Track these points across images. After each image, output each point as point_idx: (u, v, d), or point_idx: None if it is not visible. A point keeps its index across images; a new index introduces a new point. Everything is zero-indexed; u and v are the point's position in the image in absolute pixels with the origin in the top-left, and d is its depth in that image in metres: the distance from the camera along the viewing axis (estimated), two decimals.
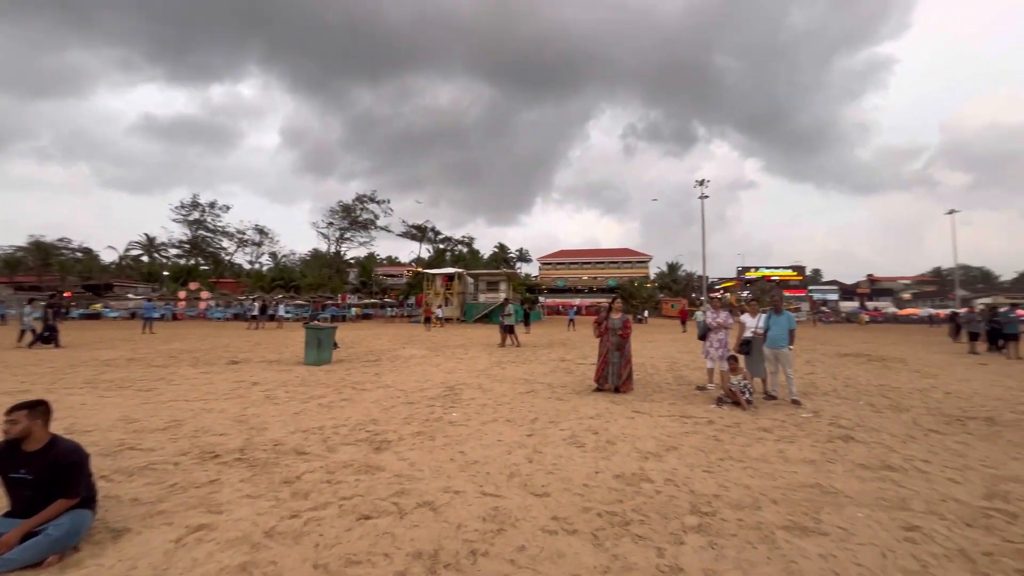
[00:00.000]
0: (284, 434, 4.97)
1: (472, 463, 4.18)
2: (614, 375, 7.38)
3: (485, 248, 72.59)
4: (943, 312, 44.37)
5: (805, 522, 3.12)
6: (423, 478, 3.81)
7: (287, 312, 30.17)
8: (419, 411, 6.12)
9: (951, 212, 50.46)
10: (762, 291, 71.09)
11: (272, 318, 26.42)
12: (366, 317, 38.97)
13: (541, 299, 61.16)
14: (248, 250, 56.85)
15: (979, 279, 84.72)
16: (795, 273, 77.01)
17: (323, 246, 50.80)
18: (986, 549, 2.80)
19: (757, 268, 78.61)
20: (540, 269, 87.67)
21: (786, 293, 69.33)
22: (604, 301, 14.07)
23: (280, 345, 14.91)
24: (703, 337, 7.76)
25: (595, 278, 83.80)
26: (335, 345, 10.96)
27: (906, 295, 77.06)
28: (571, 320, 29.29)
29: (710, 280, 74.34)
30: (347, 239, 48.87)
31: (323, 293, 41.79)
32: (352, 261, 55.91)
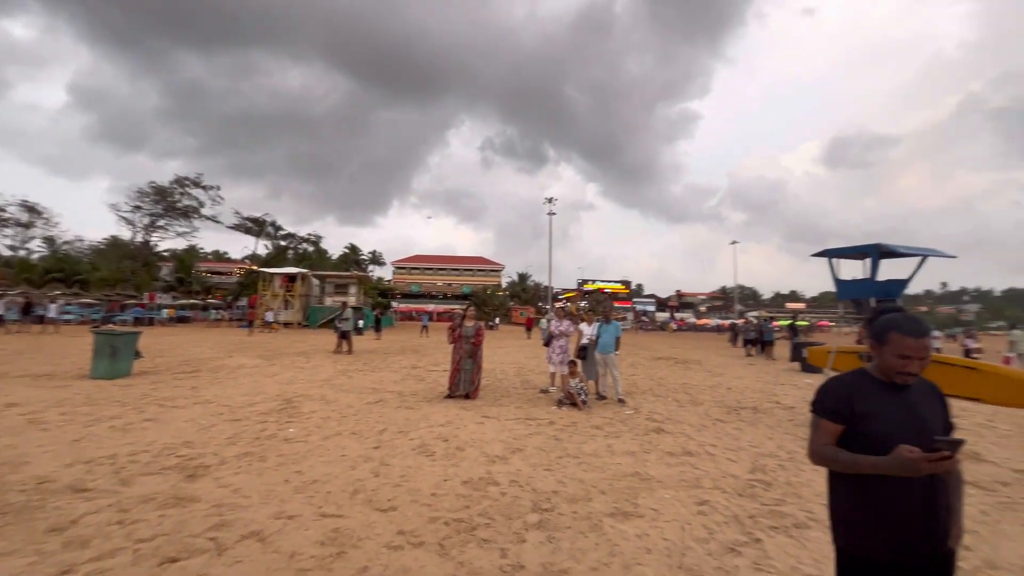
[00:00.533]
0: (55, 468, 3.94)
1: (310, 483, 3.84)
2: (466, 382, 7.50)
3: (335, 248, 67.88)
4: (726, 323, 55.07)
5: (626, 507, 3.56)
6: (250, 505, 3.37)
7: (64, 313, 24.04)
8: (247, 429, 5.41)
9: (733, 243, 63.73)
10: (597, 302, 79.58)
11: (42, 320, 20.82)
12: (182, 320, 33.17)
13: (394, 304, 59.39)
14: (9, 231, 43.83)
15: (750, 296, 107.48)
16: (623, 287, 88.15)
17: (126, 234, 41.60)
18: (751, 513, 3.53)
19: (594, 281, 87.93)
20: (394, 273, 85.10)
21: (616, 304, 78.82)
22: (458, 308, 14.26)
23: (55, 355, 11.83)
24: (547, 343, 8.37)
25: (450, 285, 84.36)
26: (137, 354, 9.08)
27: (703, 308, 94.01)
28: (424, 326, 28.99)
29: (555, 290, 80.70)
30: (160, 228, 40.78)
31: (123, 290, 34.37)
32: (166, 254, 47.13)
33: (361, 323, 27.83)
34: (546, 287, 59.62)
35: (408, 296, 77.94)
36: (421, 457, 4.60)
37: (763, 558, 2.92)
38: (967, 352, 14.60)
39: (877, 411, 1.52)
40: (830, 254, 6.30)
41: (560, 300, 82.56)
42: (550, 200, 54.96)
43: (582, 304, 77.83)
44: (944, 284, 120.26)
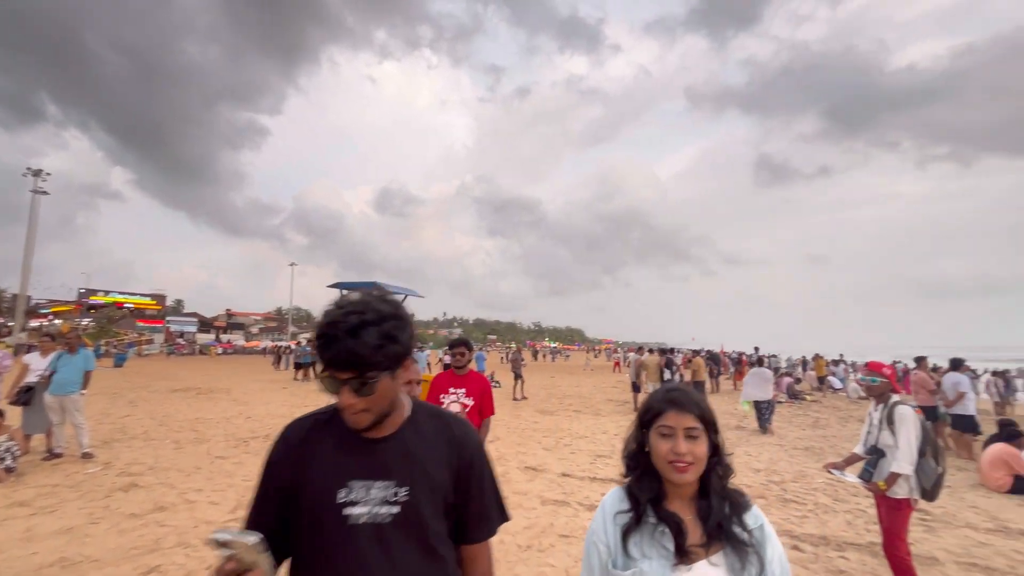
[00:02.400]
0: None
1: None
2: None
3: None
4: (274, 344, 53.95)
5: None
6: None
7: None
8: None
9: (292, 264, 64.08)
10: (110, 319, 61.16)
11: None
12: None
13: None
14: None
15: (305, 319, 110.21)
16: (154, 302, 71.37)
17: None
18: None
19: (108, 292, 66.90)
20: None
21: (140, 323, 62.74)
22: None
23: None
24: None
25: None
26: None
27: (255, 329, 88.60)
28: None
29: (35, 302, 56.24)
30: None
31: None
32: None
33: None
34: (15, 296, 40.57)
35: None
36: None
37: None
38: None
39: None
40: (341, 287, 7.13)
41: (42, 315, 57.93)
42: (36, 173, 38.46)
43: (84, 322, 57.53)
44: (444, 313, 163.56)
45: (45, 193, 38.81)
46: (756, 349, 18.17)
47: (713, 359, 17.39)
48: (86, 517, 4.01)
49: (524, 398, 13.20)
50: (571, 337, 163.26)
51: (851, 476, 3.16)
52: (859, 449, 3.14)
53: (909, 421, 2.83)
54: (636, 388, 11.56)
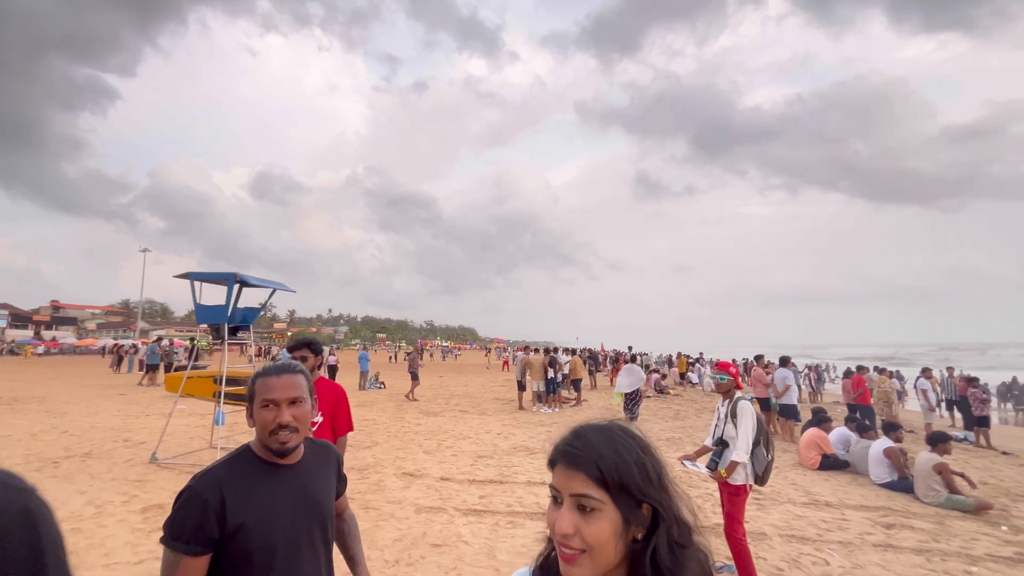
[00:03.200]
0: None
1: None
2: None
3: None
4: (115, 343, 46.15)
5: None
6: None
7: None
8: None
9: (145, 251, 55.03)
10: None
11: None
12: None
13: None
14: None
15: (159, 313, 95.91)
16: None
17: None
18: None
19: None
20: None
21: None
22: None
23: None
24: None
25: None
26: None
27: (91, 324, 74.88)
28: None
29: None
30: None
31: None
32: None
33: None
34: None
35: None
36: None
37: None
38: (331, 366, 17.75)
39: (258, 516, 1.12)
40: (192, 277, 6.17)
41: None
42: None
43: None
44: (330, 310, 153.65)
45: None
46: (630, 348, 19.75)
47: (592, 357, 18.53)
48: None
49: (415, 400, 12.78)
50: (463, 336, 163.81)
51: (700, 466, 3.46)
52: (708, 441, 3.45)
53: (748, 415, 3.18)
54: (521, 387, 11.82)
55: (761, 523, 4.38)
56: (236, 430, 7.76)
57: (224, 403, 6.14)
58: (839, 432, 7.07)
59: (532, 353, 12.91)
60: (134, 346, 26.05)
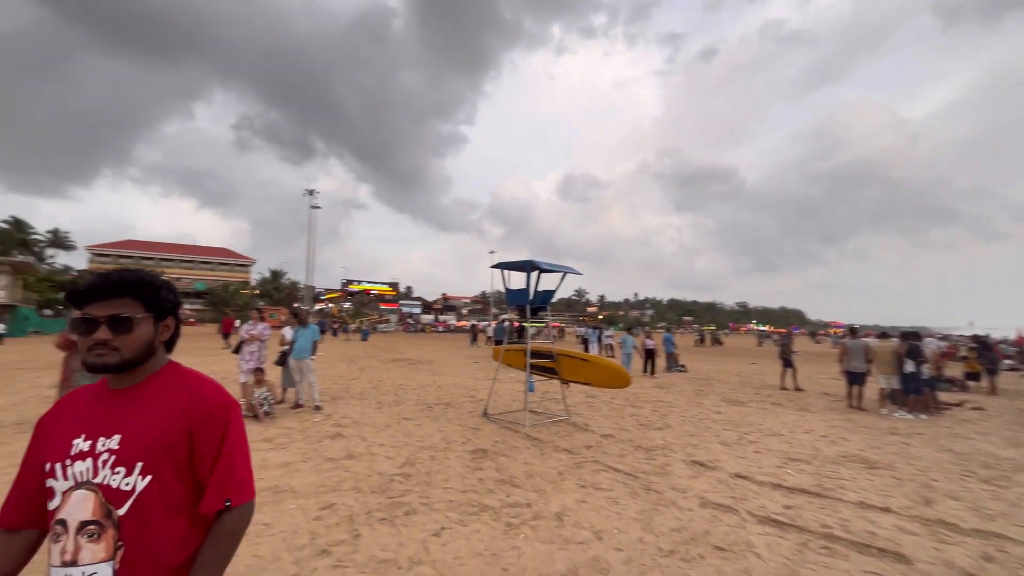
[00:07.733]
0: None
1: None
2: None
3: None
4: (477, 324, 60.51)
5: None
6: None
7: None
8: None
9: (491, 252, 70.64)
10: (362, 303, 76.92)
11: None
12: None
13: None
14: None
15: (502, 302, 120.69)
16: (390, 288, 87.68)
17: None
18: (370, 508, 3.69)
19: (360, 282, 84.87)
20: (91, 261, 64.97)
21: (381, 306, 77.71)
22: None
23: None
24: (237, 350, 7.44)
25: (179, 279, 69.04)
26: None
27: (464, 311, 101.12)
28: None
29: (317, 290, 74.64)
30: None
31: None
32: None
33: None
34: (306, 286, 54.48)
35: None
36: None
37: (350, 553, 3.04)
38: (648, 350, 14.29)
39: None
40: (503, 267, 7.34)
41: (322, 300, 76.84)
42: (311, 192, 50.62)
43: (346, 305, 74.08)
44: (636, 294, 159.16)
45: (318, 207, 50.63)
46: None
47: (984, 348, 12.76)
48: (300, 456, 5.01)
49: (800, 389, 11.38)
50: (786, 319, 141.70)
51: None
52: None
53: None
54: (854, 380, 9.19)
55: None
56: (545, 396, 8.90)
57: (532, 373, 7.10)
58: None
59: (877, 339, 9.86)
60: (477, 325, 33.66)
